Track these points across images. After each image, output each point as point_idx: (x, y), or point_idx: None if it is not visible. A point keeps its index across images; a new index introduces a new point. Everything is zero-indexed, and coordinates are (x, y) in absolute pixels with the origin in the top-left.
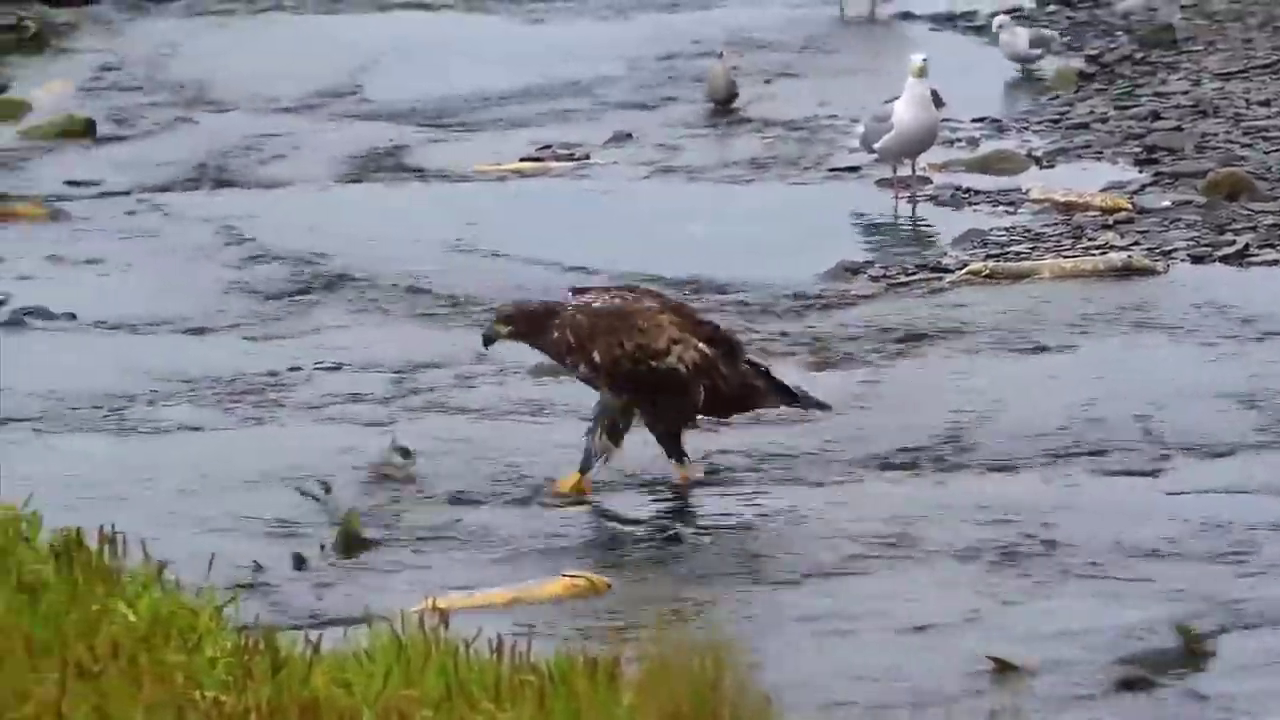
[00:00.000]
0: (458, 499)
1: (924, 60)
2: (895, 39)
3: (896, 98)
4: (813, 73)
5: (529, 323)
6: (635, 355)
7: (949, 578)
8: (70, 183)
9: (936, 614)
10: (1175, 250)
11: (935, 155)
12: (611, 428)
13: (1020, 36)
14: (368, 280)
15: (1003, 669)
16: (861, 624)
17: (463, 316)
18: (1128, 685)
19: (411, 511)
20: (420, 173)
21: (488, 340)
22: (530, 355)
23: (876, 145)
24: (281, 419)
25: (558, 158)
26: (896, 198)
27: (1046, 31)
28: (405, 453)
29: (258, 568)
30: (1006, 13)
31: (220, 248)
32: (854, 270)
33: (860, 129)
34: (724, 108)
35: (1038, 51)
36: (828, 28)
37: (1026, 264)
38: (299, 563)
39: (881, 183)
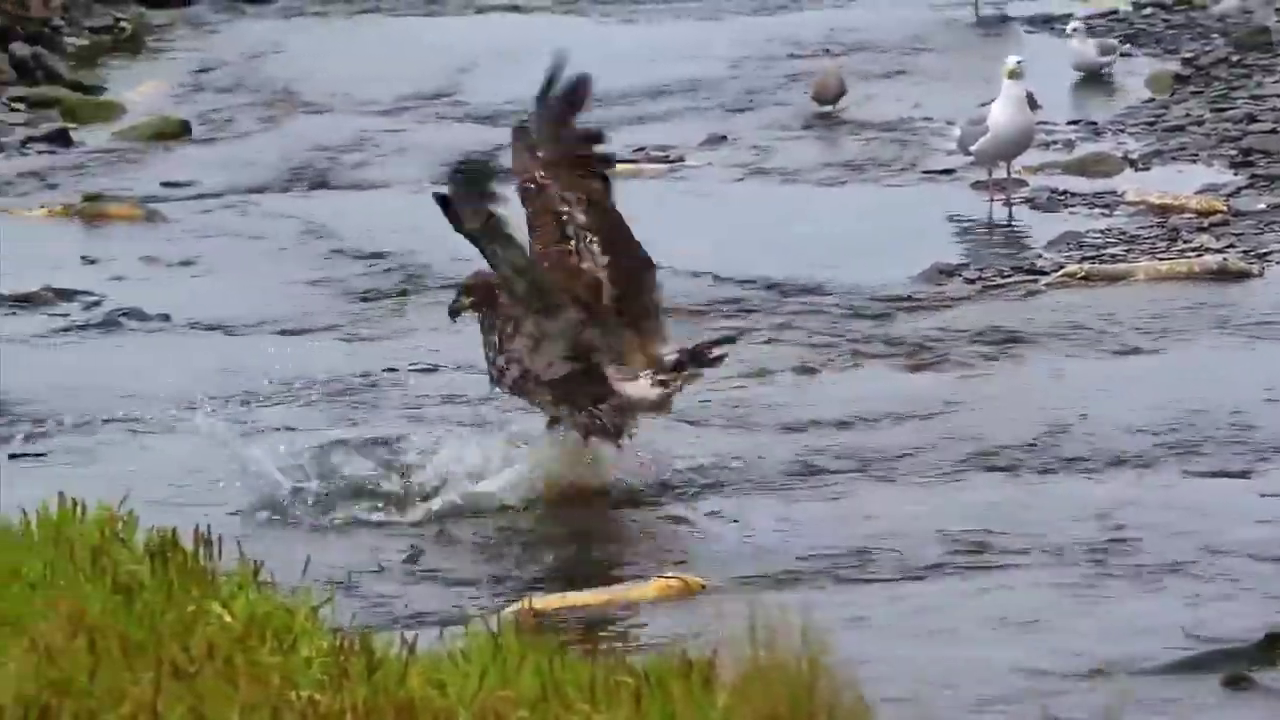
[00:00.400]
0: (551, 501)
1: (1019, 62)
2: (990, 41)
3: (993, 100)
4: (907, 74)
5: (486, 292)
6: None
7: (1044, 577)
8: (166, 184)
9: (1032, 612)
10: (1271, 253)
11: (1031, 158)
12: None
13: (1090, 45)
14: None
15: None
16: (959, 623)
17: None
18: (1231, 684)
19: (508, 513)
20: None
21: (453, 313)
22: None
23: (973, 148)
24: (375, 420)
25: (652, 160)
26: (992, 200)
27: (1111, 40)
28: None
29: (412, 556)
30: (1086, 20)
31: (315, 249)
32: (948, 272)
33: (957, 132)
34: (831, 108)
35: (1107, 59)
36: (921, 29)
37: (1122, 266)
38: (413, 558)
39: (976, 185)
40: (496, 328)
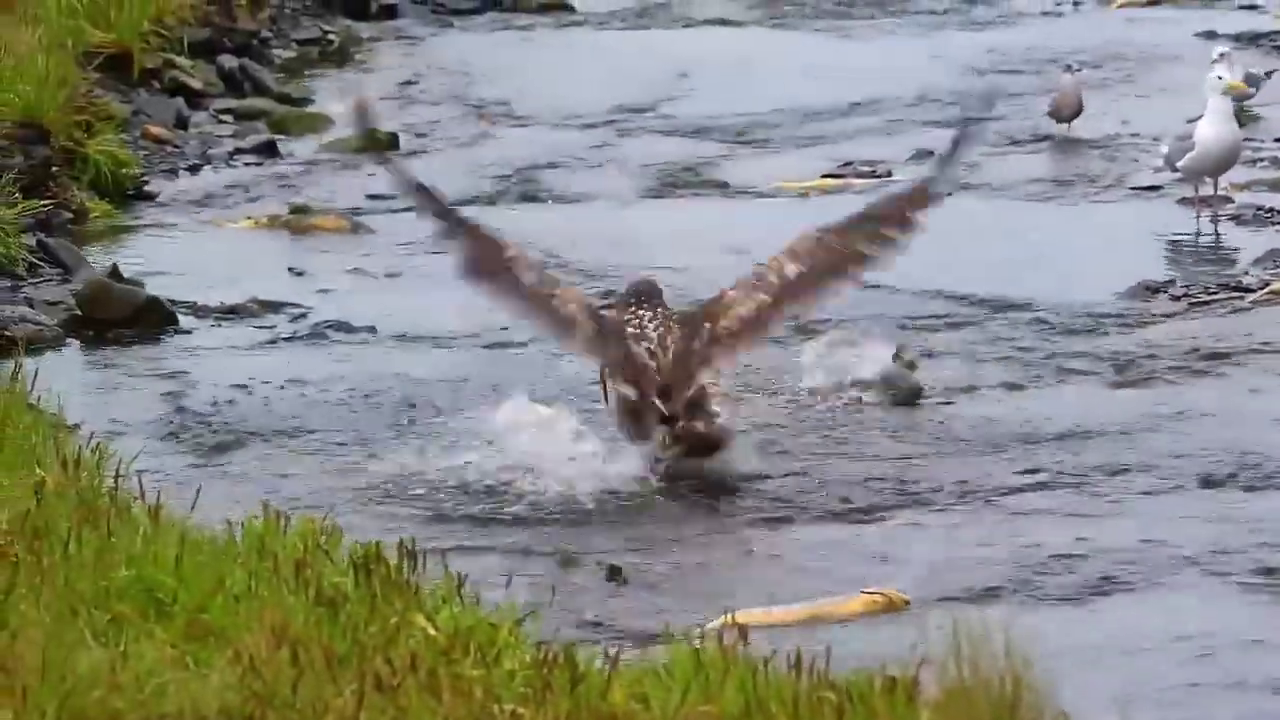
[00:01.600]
0: (756, 514)
1: (1219, 79)
2: (1198, 58)
3: (1200, 116)
4: (1114, 89)
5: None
6: None
7: (1250, 598)
8: (371, 196)
9: (1234, 634)
10: None
11: (1238, 174)
12: None
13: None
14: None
15: None
16: (1161, 644)
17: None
18: None
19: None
20: (724, 187)
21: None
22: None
23: (1180, 164)
24: (587, 437)
25: (859, 175)
26: (1198, 216)
27: (1256, 71)
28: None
29: (614, 572)
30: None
31: None
32: (1154, 289)
33: (1164, 148)
34: (1068, 125)
35: (1252, 90)
36: (1129, 46)
37: None
38: (613, 574)
39: (1182, 201)
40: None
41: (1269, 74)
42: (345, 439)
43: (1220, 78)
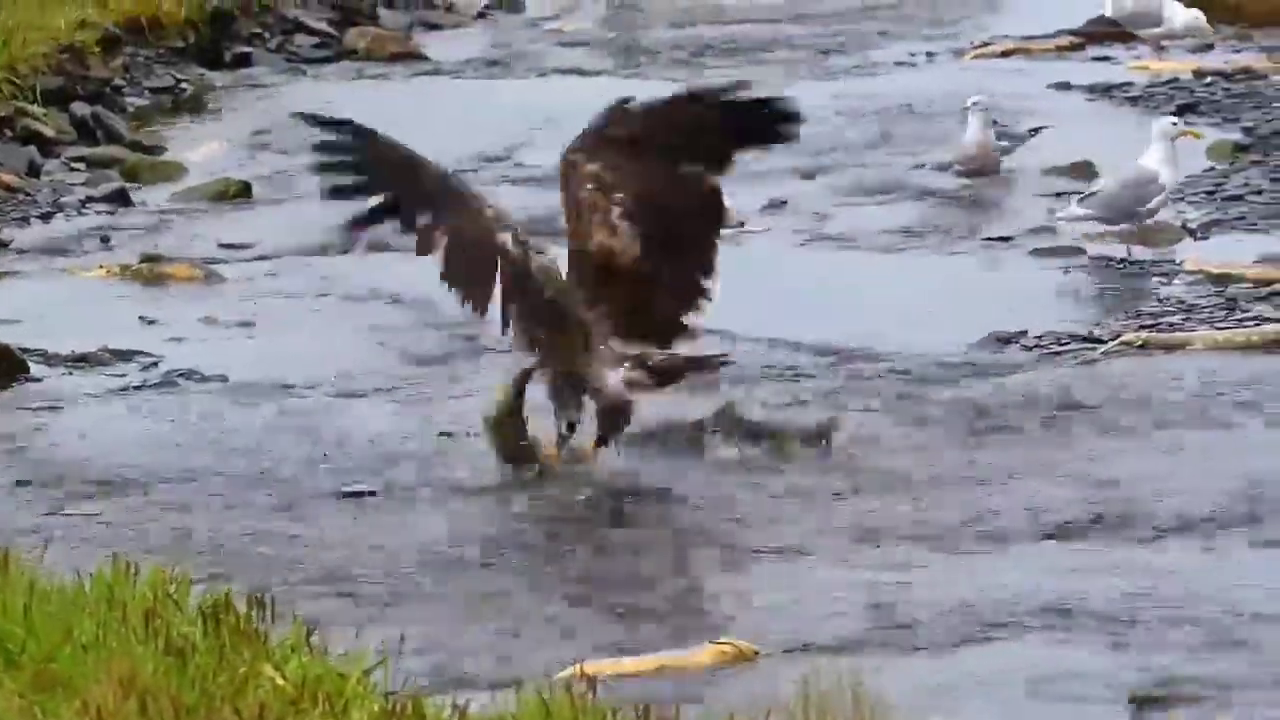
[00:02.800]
0: (606, 562)
1: (1174, 123)
2: (1048, 110)
3: (1141, 159)
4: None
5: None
6: None
7: (1102, 646)
8: (224, 245)
9: (1087, 682)
10: None
11: (1089, 225)
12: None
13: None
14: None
15: None
16: (1014, 694)
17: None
18: None
19: (561, 575)
20: None
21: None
22: None
23: (1147, 206)
24: (433, 484)
25: None
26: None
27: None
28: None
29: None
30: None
31: (373, 311)
32: (1006, 340)
33: (1097, 194)
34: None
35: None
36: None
37: (1180, 335)
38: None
39: (1034, 252)
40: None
41: (1034, 131)
42: (196, 488)
43: (1174, 123)
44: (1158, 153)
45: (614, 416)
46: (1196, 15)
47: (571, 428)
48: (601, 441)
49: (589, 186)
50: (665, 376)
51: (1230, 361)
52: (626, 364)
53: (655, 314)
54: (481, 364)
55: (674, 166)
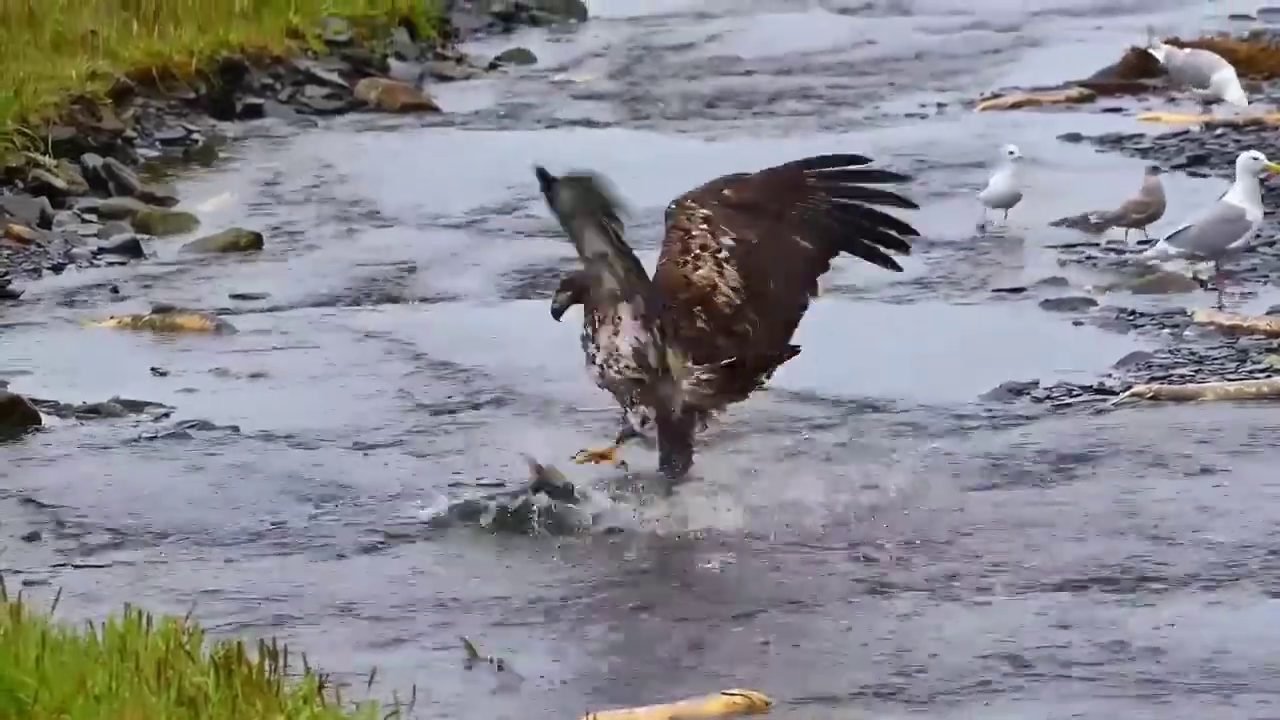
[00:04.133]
0: (617, 611)
1: (1255, 158)
2: (1059, 162)
3: (1225, 196)
4: (976, 191)
5: (582, 287)
6: None
7: (1109, 698)
8: (236, 296)
9: None
10: None
11: (1102, 278)
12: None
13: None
14: (533, 396)
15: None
16: None
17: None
18: None
19: (573, 626)
20: None
21: (555, 312)
22: None
23: (1236, 244)
24: (444, 536)
25: None
26: (1222, 292)
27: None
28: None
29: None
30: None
31: (384, 362)
32: (1018, 391)
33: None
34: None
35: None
36: (990, 148)
37: (1190, 387)
38: (472, 651)
39: (1046, 304)
40: (590, 316)
41: (1193, 163)
42: (207, 539)
43: (1255, 158)
44: (1242, 189)
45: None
46: (1244, 95)
47: (627, 435)
48: (665, 461)
49: (702, 226)
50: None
51: (1241, 413)
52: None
53: (731, 354)
54: (493, 415)
55: (782, 232)
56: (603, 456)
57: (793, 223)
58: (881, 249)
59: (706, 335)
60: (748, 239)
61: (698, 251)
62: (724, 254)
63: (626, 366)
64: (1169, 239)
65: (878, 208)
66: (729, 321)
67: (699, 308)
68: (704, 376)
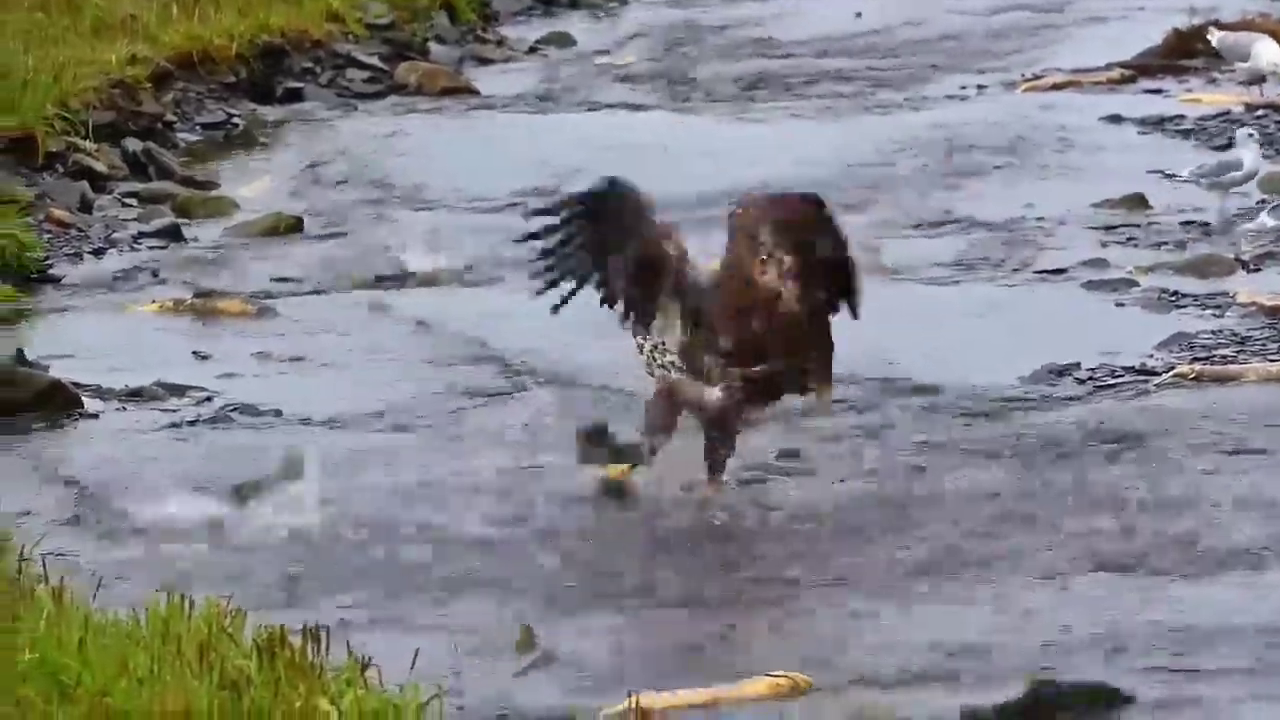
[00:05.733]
0: (659, 595)
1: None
2: (1104, 142)
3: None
4: (1020, 173)
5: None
6: None
7: (1157, 681)
8: (277, 279)
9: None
10: None
11: (1143, 258)
12: None
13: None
14: (573, 379)
15: None
16: None
17: None
18: None
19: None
20: None
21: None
22: None
23: None
24: (485, 519)
25: None
26: None
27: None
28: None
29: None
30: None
31: (426, 345)
32: (1059, 372)
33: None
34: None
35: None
36: (1034, 129)
37: (1233, 367)
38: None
39: (1088, 285)
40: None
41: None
42: (249, 522)
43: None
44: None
45: (721, 427)
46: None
47: (654, 452)
48: (713, 468)
49: (768, 232)
50: (761, 389)
51: None
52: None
53: (779, 363)
54: (534, 398)
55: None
56: (630, 470)
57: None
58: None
59: (758, 340)
60: (806, 257)
61: (765, 258)
62: (787, 266)
63: (671, 362)
64: (1270, 210)
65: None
66: (786, 331)
67: (759, 312)
68: (739, 383)
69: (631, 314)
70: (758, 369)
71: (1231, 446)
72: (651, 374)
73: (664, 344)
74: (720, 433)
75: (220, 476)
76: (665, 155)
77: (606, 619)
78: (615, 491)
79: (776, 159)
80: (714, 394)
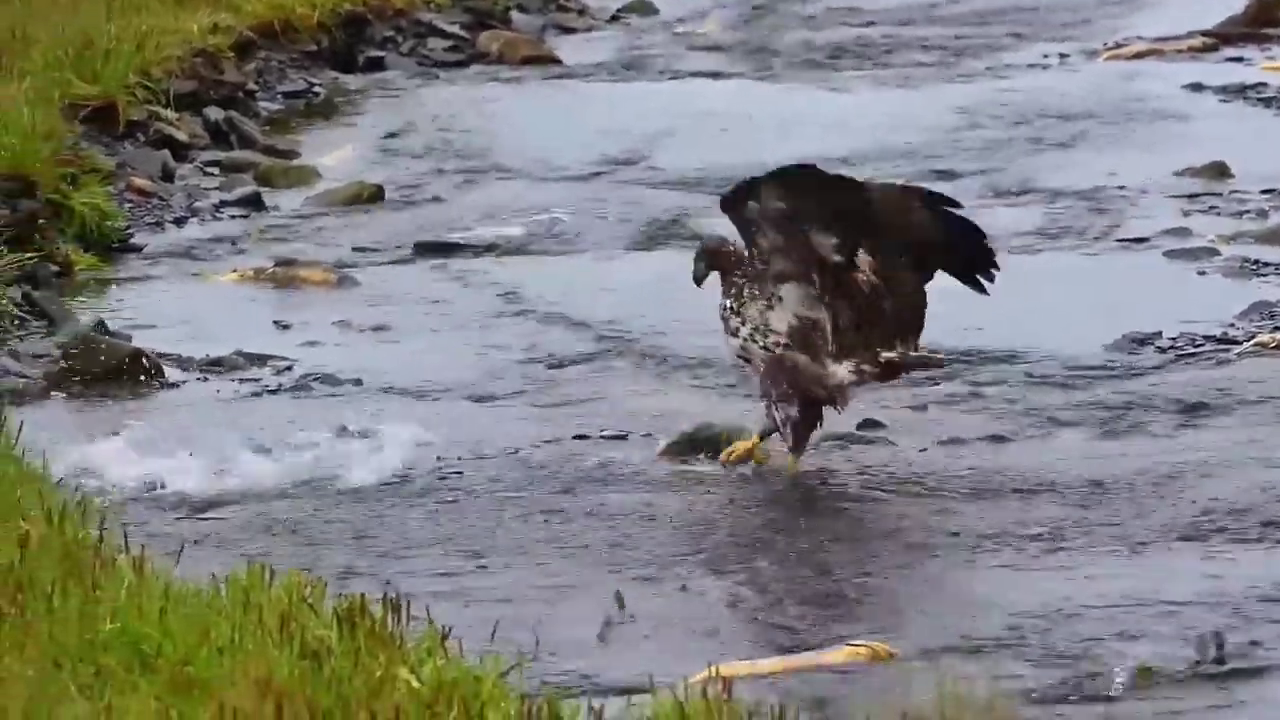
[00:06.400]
0: (739, 563)
1: None
2: (1185, 109)
3: None
4: (1099, 140)
5: (724, 257)
6: None
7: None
8: (358, 249)
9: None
10: None
11: (1224, 226)
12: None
13: None
14: (655, 348)
15: None
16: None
17: (747, 387)
18: None
19: (697, 577)
20: None
21: (697, 279)
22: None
23: None
24: (568, 488)
25: None
26: None
27: None
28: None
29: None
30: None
31: (507, 314)
32: (1141, 341)
33: None
34: None
35: None
36: (1117, 98)
37: None
38: (620, 602)
39: (1170, 254)
40: (734, 289)
41: None
42: (331, 490)
43: None
44: None
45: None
46: None
47: (787, 422)
48: (797, 443)
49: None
50: (890, 370)
51: None
52: (856, 359)
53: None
54: (616, 366)
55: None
56: (748, 454)
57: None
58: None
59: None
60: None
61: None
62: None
63: (777, 343)
64: None
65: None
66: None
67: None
68: (867, 367)
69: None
70: (894, 353)
71: None
72: (746, 354)
73: (768, 325)
74: (828, 407)
75: (300, 446)
76: (748, 124)
77: (688, 588)
78: (749, 463)
79: (858, 127)
80: (840, 371)
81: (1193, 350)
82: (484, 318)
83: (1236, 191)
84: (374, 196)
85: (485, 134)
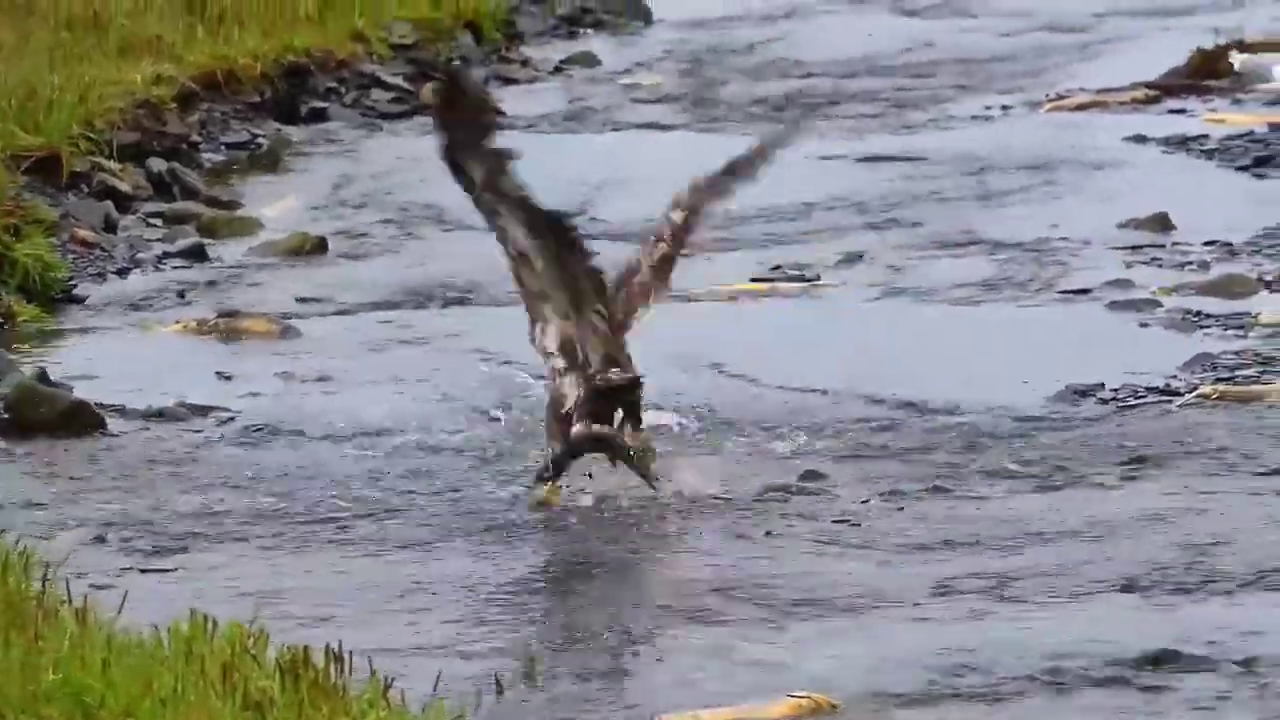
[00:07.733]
0: (677, 614)
1: None
2: (1124, 163)
3: None
4: (1044, 193)
5: None
6: None
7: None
8: (301, 300)
9: None
10: None
11: (1166, 278)
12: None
13: None
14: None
15: None
16: None
17: (707, 434)
18: None
19: (638, 627)
20: None
21: None
22: None
23: None
24: (511, 536)
25: (788, 278)
26: None
27: None
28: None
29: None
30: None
31: (449, 366)
32: (1082, 392)
33: None
34: None
35: None
36: (1058, 150)
37: (1256, 387)
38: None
39: (1112, 305)
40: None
41: (1259, 165)
42: (272, 542)
43: None
44: None
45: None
46: None
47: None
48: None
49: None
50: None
51: None
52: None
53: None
54: None
55: None
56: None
57: None
58: None
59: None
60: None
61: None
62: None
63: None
64: None
65: None
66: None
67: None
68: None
69: None
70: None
71: (1256, 467)
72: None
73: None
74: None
75: (243, 497)
76: (690, 175)
77: (626, 639)
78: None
79: (803, 180)
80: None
81: (1135, 401)
82: (427, 369)
83: (1179, 243)
84: (317, 247)
85: (428, 185)
